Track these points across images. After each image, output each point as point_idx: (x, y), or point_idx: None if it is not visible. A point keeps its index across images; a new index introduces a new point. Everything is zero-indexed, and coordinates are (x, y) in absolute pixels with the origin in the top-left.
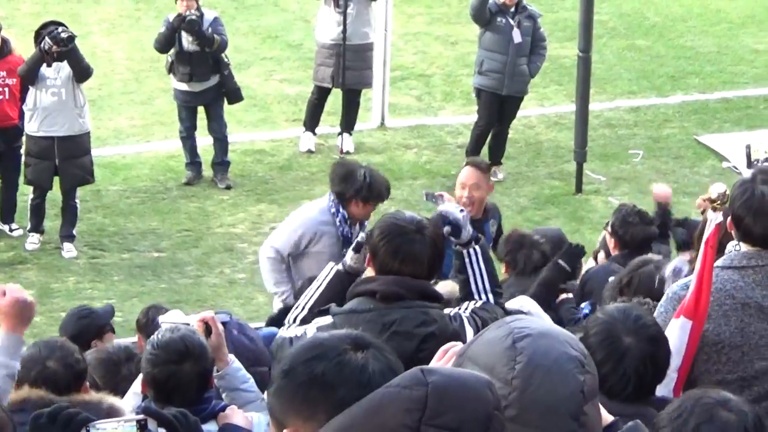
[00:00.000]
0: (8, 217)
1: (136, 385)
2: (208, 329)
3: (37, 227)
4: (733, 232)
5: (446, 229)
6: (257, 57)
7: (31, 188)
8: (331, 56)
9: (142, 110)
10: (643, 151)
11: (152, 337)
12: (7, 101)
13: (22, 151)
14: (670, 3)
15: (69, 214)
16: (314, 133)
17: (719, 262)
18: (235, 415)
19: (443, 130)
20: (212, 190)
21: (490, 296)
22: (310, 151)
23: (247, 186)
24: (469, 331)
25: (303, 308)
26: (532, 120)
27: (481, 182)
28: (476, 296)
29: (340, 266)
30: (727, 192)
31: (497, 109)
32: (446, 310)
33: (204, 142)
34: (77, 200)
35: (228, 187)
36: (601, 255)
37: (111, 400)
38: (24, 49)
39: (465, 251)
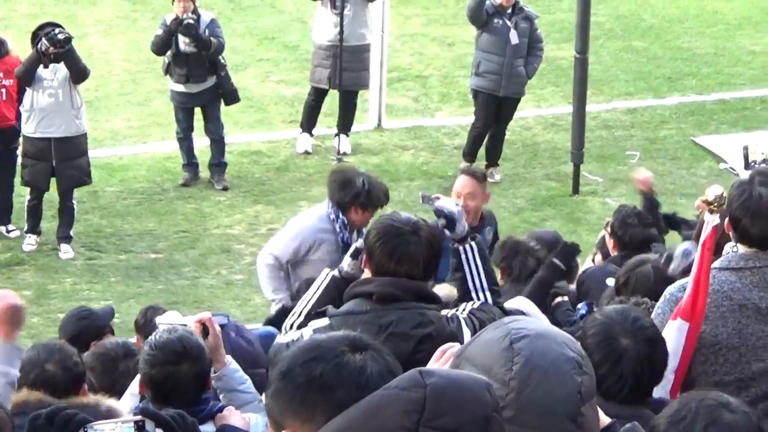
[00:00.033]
0: (5, 218)
1: (134, 386)
2: (205, 330)
3: (34, 228)
4: (730, 234)
5: (440, 222)
6: (254, 58)
7: (28, 189)
8: (328, 57)
9: (139, 111)
10: (640, 152)
11: (150, 338)
12: (4, 102)
13: (19, 152)
14: (667, 4)
15: (66, 215)
16: (311, 135)
17: (717, 264)
18: (232, 416)
19: (440, 131)
20: (209, 191)
21: (488, 294)
22: (307, 153)
23: (244, 187)
24: (467, 333)
25: (299, 315)
26: (529, 121)
27: (476, 191)
28: (473, 294)
29: (336, 272)
30: (724, 194)
31: (494, 110)
32: (443, 312)
33: (201, 143)
34: (74, 201)
35: (225, 189)
36: (598, 256)
37: (109, 402)
38: (21, 50)
39: (461, 248)
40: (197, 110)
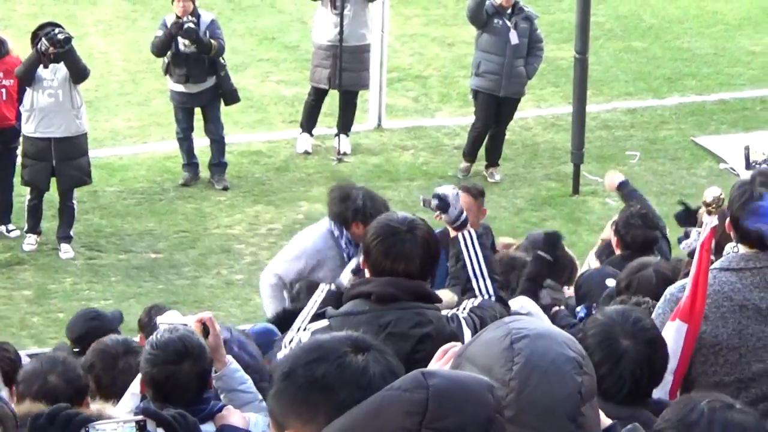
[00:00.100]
0: (5, 218)
1: (135, 386)
2: (205, 330)
3: (34, 228)
4: (731, 234)
5: (434, 203)
6: (254, 58)
7: (28, 189)
8: (328, 57)
9: (138, 111)
10: (640, 152)
11: (151, 337)
12: (4, 102)
13: (19, 152)
14: (667, 5)
15: (66, 215)
16: (311, 135)
17: (717, 264)
18: (232, 415)
19: (440, 131)
20: (209, 191)
21: (488, 282)
22: (306, 153)
23: (244, 187)
24: (467, 333)
25: (298, 330)
26: (529, 121)
27: (471, 206)
28: (474, 281)
29: (333, 287)
30: (722, 196)
31: (494, 110)
32: (443, 312)
33: (201, 143)
34: (74, 201)
35: (225, 189)
36: (593, 258)
37: (110, 411)
38: (21, 50)
39: (460, 235)
40: (197, 110)
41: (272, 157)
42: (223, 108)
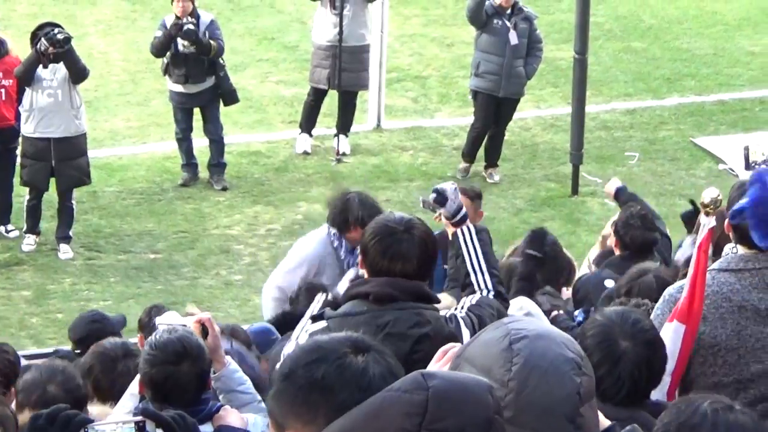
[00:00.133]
0: (4, 218)
1: (134, 386)
2: (204, 330)
3: (33, 228)
4: (730, 235)
5: (432, 196)
6: (253, 59)
7: (27, 189)
8: (327, 58)
9: (138, 111)
10: (639, 153)
11: (150, 338)
12: (3, 102)
13: (18, 152)
14: (666, 5)
15: (65, 215)
16: (310, 135)
17: (716, 265)
18: (229, 415)
19: (439, 131)
20: (208, 191)
21: (487, 276)
22: (306, 153)
23: (243, 188)
24: (466, 333)
25: (296, 339)
26: (528, 122)
27: (468, 208)
28: (472, 276)
29: (330, 296)
30: (720, 197)
31: (494, 110)
32: (442, 312)
33: (200, 143)
34: (73, 201)
35: (224, 189)
36: (593, 255)
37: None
38: (20, 50)
39: (459, 230)
40: (196, 110)
41: (271, 157)
42: (223, 108)
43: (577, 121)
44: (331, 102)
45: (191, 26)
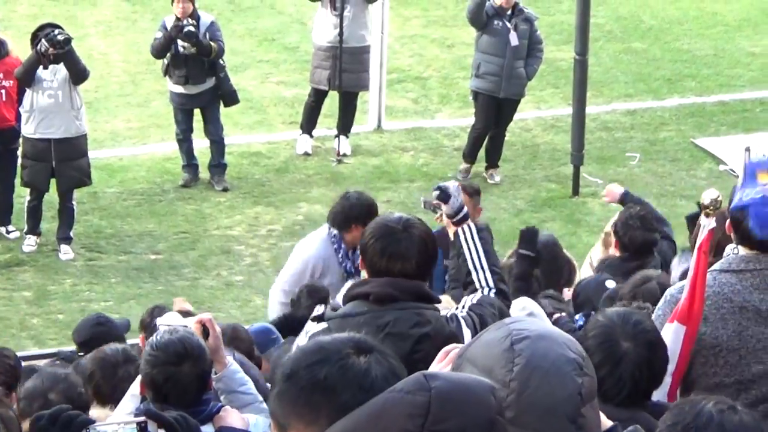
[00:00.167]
0: (5, 219)
1: (135, 387)
2: (205, 331)
3: (33, 229)
4: (732, 235)
5: (434, 193)
6: (254, 59)
7: (27, 190)
8: (327, 59)
9: (138, 112)
10: (639, 154)
11: (151, 338)
12: (3, 103)
13: (19, 152)
14: (667, 6)
15: (66, 216)
16: (311, 136)
17: (717, 266)
18: (230, 416)
19: (440, 132)
20: (209, 192)
21: (488, 274)
22: (306, 154)
23: (244, 188)
24: (467, 332)
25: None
26: (529, 123)
27: (467, 205)
28: (474, 273)
29: (329, 309)
30: (719, 198)
31: (494, 111)
32: (443, 311)
33: (201, 144)
34: (74, 202)
35: (225, 190)
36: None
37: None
38: (21, 51)
39: (460, 229)
40: (197, 111)
41: (272, 158)
42: (223, 109)
43: (578, 121)
44: (331, 103)
45: (191, 28)
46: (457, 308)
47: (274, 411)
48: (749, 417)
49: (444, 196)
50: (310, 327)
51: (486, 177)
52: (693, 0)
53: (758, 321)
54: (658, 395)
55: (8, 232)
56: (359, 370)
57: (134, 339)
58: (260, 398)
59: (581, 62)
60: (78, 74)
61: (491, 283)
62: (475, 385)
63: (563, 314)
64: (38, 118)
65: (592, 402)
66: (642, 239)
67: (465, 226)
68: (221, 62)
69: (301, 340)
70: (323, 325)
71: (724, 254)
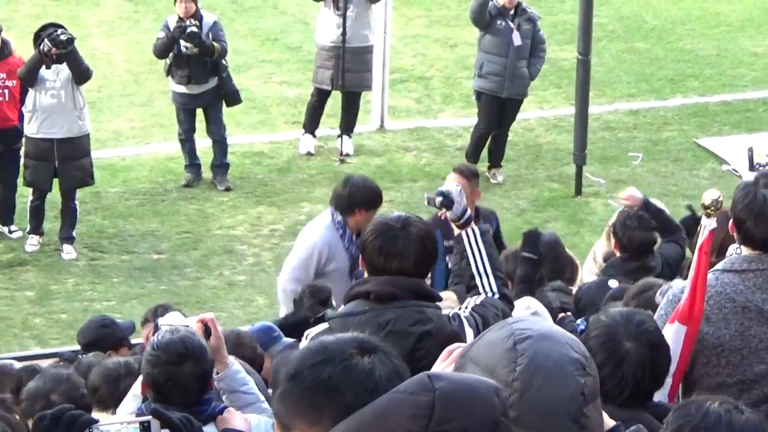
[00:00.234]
0: (7, 218)
1: (136, 387)
2: (207, 331)
3: (36, 229)
4: (734, 235)
5: (438, 199)
6: (256, 59)
7: (30, 190)
8: (330, 58)
9: (141, 112)
10: (642, 154)
11: (152, 338)
12: (6, 103)
13: (22, 152)
14: (669, 6)
15: (68, 215)
16: (314, 136)
17: (720, 266)
18: (233, 418)
19: (443, 132)
20: (211, 192)
21: (491, 279)
22: (309, 154)
23: (247, 188)
24: (469, 332)
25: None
26: (532, 123)
27: (464, 188)
28: (477, 278)
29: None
30: (720, 198)
31: (497, 111)
32: (445, 311)
33: (203, 144)
34: (77, 202)
35: (227, 189)
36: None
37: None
38: (24, 50)
39: (464, 232)
40: (199, 111)
41: (275, 158)
42: (226, 109)
43: (581, 121)
44: (334, 103)
45: (194, 29)
46: (460, 308)
47: (278, 411)
48: (755, 416)
49: (447, 202)
50: (311, 328)
51: (489, 177)
52: (696, 0)
53: (761, 321)
54: (659, 396)
55: (11, 232)
56: (363, 371)
57: (137, 339)
58: (262, 398)
59: (584, 62)
60: (81, 74)
61: (495, 289)
62: (479, 386)
63: (568, 314)
64: (41, 117)
65: (594, 402)
66: (641, 239)
67: (469, 230)
68: (224, 62)
69: (303, 344)
70: (324, 325)
71: (727, 254)
